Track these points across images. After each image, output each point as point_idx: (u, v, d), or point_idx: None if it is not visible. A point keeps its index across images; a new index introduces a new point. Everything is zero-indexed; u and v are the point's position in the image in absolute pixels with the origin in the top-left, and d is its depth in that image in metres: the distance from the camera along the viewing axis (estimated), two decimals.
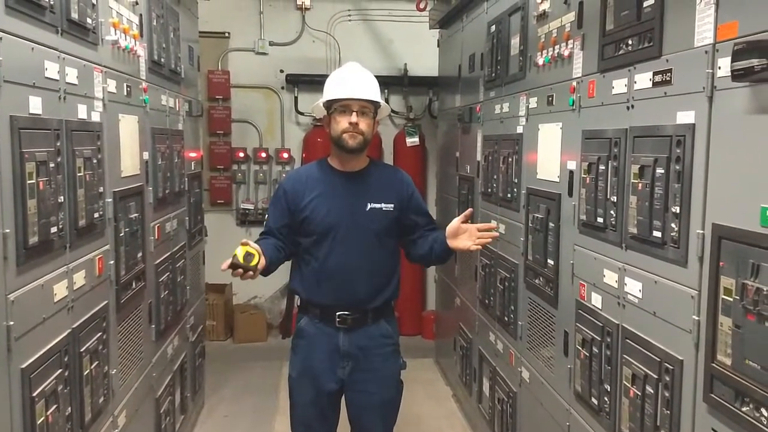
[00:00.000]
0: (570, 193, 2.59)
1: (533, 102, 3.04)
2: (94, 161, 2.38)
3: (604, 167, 2.27)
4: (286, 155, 6.50)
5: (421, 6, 5.67)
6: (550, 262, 2.79)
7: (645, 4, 2.01)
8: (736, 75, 1.52)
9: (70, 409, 2.14)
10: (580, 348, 2.46)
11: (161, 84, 3.46)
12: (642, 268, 2.04)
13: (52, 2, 2.04)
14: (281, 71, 6.49)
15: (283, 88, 6.53)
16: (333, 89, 2.76)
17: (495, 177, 3.61)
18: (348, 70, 2.84)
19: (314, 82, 5.88)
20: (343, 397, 2.89)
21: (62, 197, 2.11)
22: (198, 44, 4.60)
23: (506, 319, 3.42)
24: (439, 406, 4.78)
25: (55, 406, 2.02)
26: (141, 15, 3.03)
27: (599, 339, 2.31)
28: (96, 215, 2.40)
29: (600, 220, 2.30)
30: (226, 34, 6.45)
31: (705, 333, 1.70)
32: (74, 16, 2.21)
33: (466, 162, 4.41)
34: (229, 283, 6.39)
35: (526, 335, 3.15)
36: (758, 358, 1.49)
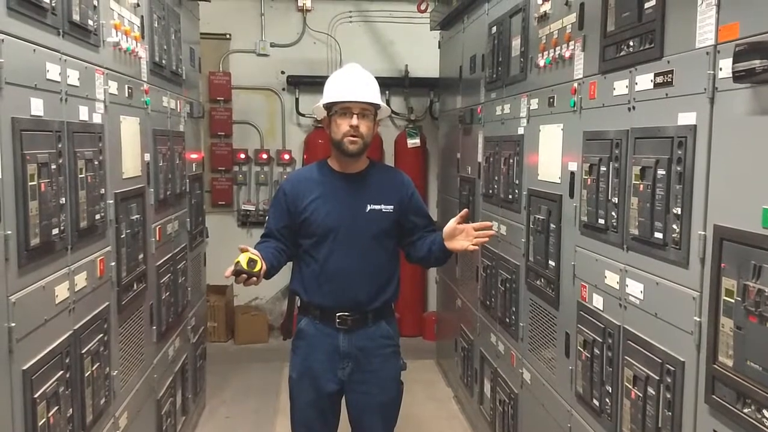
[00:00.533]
0: (571, 195, 2.59)
1: (534, 103, 3.04)
2: (96, 163, 2.39)
3: (605, 168, 2.27)
4: (287, 156, 6.50)
5: (422, 7, 5.67)
6: (552, 263, 2.79)
7: (646, 6, 2.01)
8: (738, 76, 1.52)
9: (71, 410, 2.15)
10: (581, 349, 2.46)
11: (162, 85, 3.46)
12: (643, 269, 2.04)
13: (53, 4, 2.05)
14: (282, 72, 6.50)
15: (284, 89, 6.53)
16: (333, 91, 2.76)
17: (496, 178, 3.61)
18: (348, 71, 2.84)
19: (315, 84, 5.88)
20: (343, 399, 2.89)
21: (64, 199, 2.11)
22: (199, 46, 4.60)
23: (507, 320, 3.42)
24: (440, 408, 4.78)
25: (56, 408, 2.02)
26: (142, 17, 3.04)
27: (600, 340, 2.31)
28: (97, 217, 2.41)
29: (601, 221, 2.30)
30: (227, 36, 6.46)
31: (706, 334, 1.70)
32: (76, 18, 2.21)
33: (467, 163, 4.41)
34: (230, 285, 6.39)
35: (528, 336, 3.15)
36: (760, 359, 1.49)
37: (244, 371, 5.43)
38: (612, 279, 2.24)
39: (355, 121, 2.69)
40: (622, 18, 2.16)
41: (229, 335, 6.33)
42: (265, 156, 6.49)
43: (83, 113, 2.32)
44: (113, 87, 2.61)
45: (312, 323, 2.82)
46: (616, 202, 2.19)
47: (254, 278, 2.50)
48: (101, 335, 2.44)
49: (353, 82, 2.75)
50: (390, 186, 2.85)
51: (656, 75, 1.96)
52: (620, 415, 2.16)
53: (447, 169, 5.22)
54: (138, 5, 2.96)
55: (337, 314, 2.75)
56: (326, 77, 2.90)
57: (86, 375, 2.28)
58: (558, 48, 2.72)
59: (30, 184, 1.87)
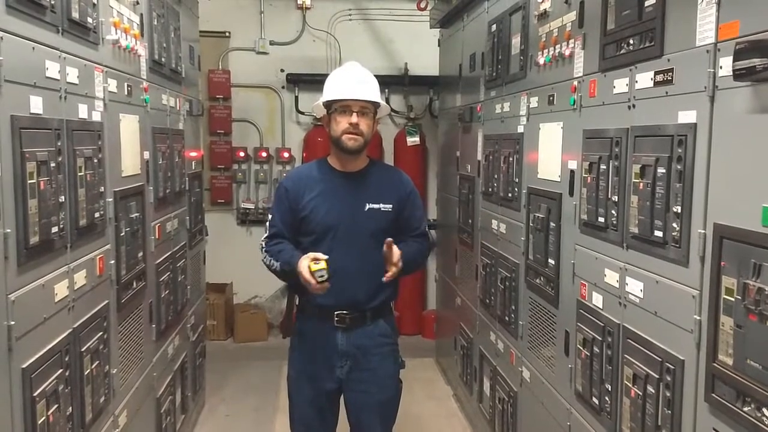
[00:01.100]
0: (571, 193, 2.59)
1: (534, 101, 3.04)
2: (95, 161, 2.38)
3: (605, 167, 2.27)
4: (286, 155, 6.50)
5: (422, 5, 5.67)
6: (551, 261, 2.79)
7: (646, 4, 2.01)
8: (738, 74, 1.52)
9: (70, 408, 2.14)
10: (581, 348, 2.46)
11: (162, 83, 3.46)
12: (643, 267, 2.04)
13: (52, 2, 2.04)
14: (282, 71, 6.49)
15: (283, 87, 6.53)
16: (333, 89, 2.75)
17: (496, 176, 3.61)
18: (348, 69, 2.83)
19: (315, 82, 5.87)
20: (342, 397, 2.89)
21: (63, 197, 2.11)
22: (198, 44, 4.60)
23: (507, 318, 3.42)
24: (439, 406, 4.78)
25: (56, 406, 2.02)
26: (142, 14, 3.03)
27: (600, 339, 2.30)
28: (97, 215, 2.40)
29: (601, 219, 2.30)
30: (227, 34, 6.45)
31: (706, 333, 1.70)
32: (75, 15, 2.21)
33: (466, 161, 4.41)
34: (229, 283, 6.40)
35: (527, 335, 3.15)
36: (760, 358, 1.49)
37: (243, 369, 5.44)
38: (612, 277, 2.24)
39: (354, 119, 2.69)
40: (623, 16, 2.15)
41: (229, 333, 6.33)
42: (264, 154, 6.49)
43: (82, 111, 2.31)
44: (112, 85, 2.61)
45: (310, 322, 2.82)
46: (616, 200, 2.19)
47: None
48: (101, 333, 2.44)
49: (353, 81, 2.75)
50: (389, 185, 2.84)
51: (656, 73, 1.95)
52: (620, 414, 2.16)
53: (446, 168, 5.22)
54: (137, 3, 2.96)
55: (336, 313, 2.75)
56: (326, 75, 2.90)
57: (86, 373, 2.28)
58: (558, 46, 2.71)
59: (29, 182, 1.87)
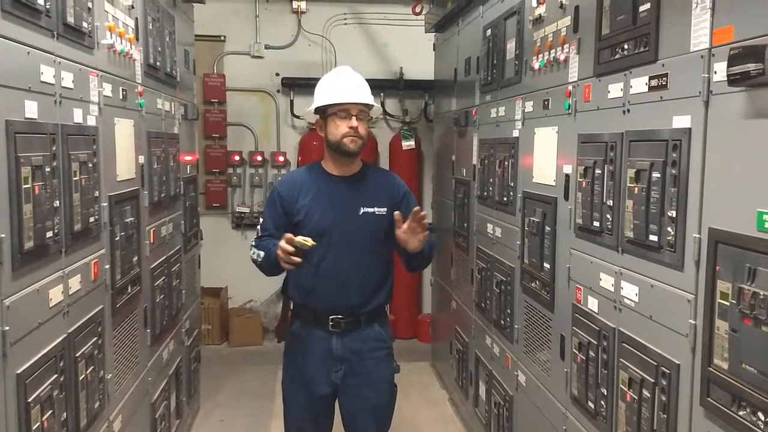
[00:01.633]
0: (566, 197, 2.59)
1: (529, 106, 3.04)
2: (90, 165, 2.38)
3: (600, 171, 2.27)
4: (281, 158, 6.49)
5: (417, 10, 5.68)
6: (547, 265, 2.80)
7: (641, 9, 2.02)
8: (732, 80, 1.52)
9: (65, 414, 2.13)
10: (576, 352, 2.46)
11: (157, 87, 3.45)
12: (638, 272, 2.05)
13: (48, 6, 2.04)
14: (277, 74, 6.50)
15: (278, 91, 6.53)
16: (331, 93, 2.75)
17: (491, 180, 3.61)
18: (342, 73, 2.84)
19: (310, 86, 5.79)
20: (337, 402, 2.88)
21: (58, 201, 2.10)
22: (193, 48, 4.59)
23: (503, 322, 3.42)
24: (435, 410, 4.77)
25: (50, 412, 2.00)
26: (137, 19, 3.03)
27: (596, 343, 2.31)
28: (91, 219, 2.40)
29: (596, 223, 2.30)
30: (222, 38, 6.45)
31: (702, 337, 1.70)
32: (70, 20, 2.20)
33: (462, 165, 4.41)
34: (224, 287, 6.38)
35: (523, 339, 3.15)
36: (755, 362, 1.49)
37: (238, 374, 5.42)
38: (607, 281, 2.24)
39: (354, 122, 2.70)
40: (617, 21, 2.16)
41: (224, 338, 6.32)
42: (259, 158, 6.49)
43: (77, 116, 2.31)
44: (107, 89, 2.60)
45: (305, 326, 2.81)
46: (611, 204, 2.20)
47: (298, 259, 2.52)
48: (95, 339, 2.43)
49: (350, 84, 2.76)
50: (383, 188, 2.84)
51: (651, 78, 1.96)
52: (615, 418, 2.17)
53: (442, 172, 5.23)
54: (132, 7, 2.96)
55: (330, 317, 2.75)
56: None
57: (80, 378, 2.27)
58: (553, 51, 2.72)
59: (24, 186, 1.86)
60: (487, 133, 3.75)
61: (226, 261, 6.10)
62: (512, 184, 3.26)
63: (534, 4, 2.92)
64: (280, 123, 6.57)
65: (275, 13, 6.49)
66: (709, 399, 1.66)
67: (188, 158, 4.26)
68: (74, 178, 2.23)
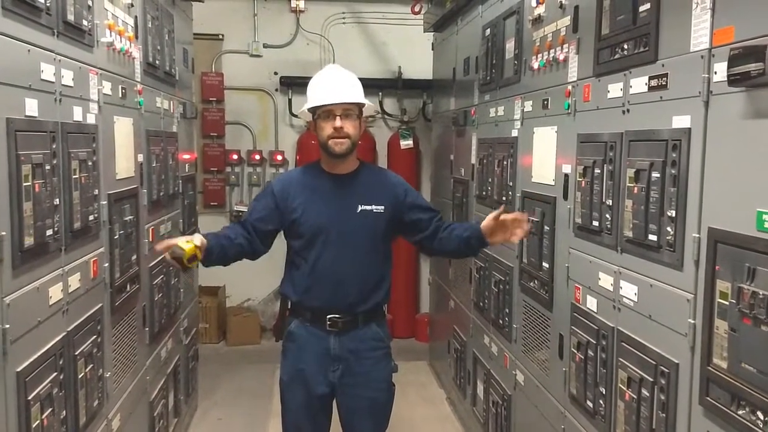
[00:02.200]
0: (565, 197, 2.60)
1: (528, 105, 3.05)
2: (90, 163, 2.38)
3: (599, 171, 2.28)
4: (279, 157, 6.49)
5: (416, 9, 5.68)
6: (545, 265, 2.80)
7: (641, 9, 2.02)
8: (733, 80, 1.53)
9: (65, 412, 2.13)
10: (575, 351, 2.47)
11: (156, 86, 3.45)
12: (637, 271, 2.05)
13: (48, 4, 2.04)
14: (275, 73, 6.49)
15: (277, 90, 6.52)
16: (314, 95, 2.74)
17: (490, 180, 3.62)
18: (327, 73, 2.82)
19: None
20: (334, 401, 2.88)
21: (58, 199, 2.10)
22: (192, 46, 4.59)
23: (501, 321, 3.43)
24: (432, 409, 4.78)
25: (50, 410, 2.01)
26: (136, 17, 3.03)
27: (594, 342, 2.31)
28: (91, 218, 2.40)
29: (595, 223, 2.31)
30: (220, 36, 6.44)
31: (701, 336, 1.71)
32: (70, 18, 2.21)
33: (460, 165, 4.42)
34: (222, 286, 6.38)
35: (521, 338, 3.15)
36: (754, 361, 1.50)
37: (236, 373, 5.42)
38: (606, 281, 2.25)
39: (338, 122, 2.68)
40: (617, 21, 2.17)
41: (221, 336, 6.31)
42: (257, 157, 6.48)
43: (77, 114, 2.31)
44: (107, 87, 2.61)
45: (302, 325, 2.81)
46: (610, 204, 2.20)
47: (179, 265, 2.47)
48: (95, 337, 2.43)
49: (333, 84, 2.73)
50: (381, 186, 2.83)
51: (651, 78, 1.97)
52: (614, 417, 2.17)
53: (440, 171, 5.23)
54: (132, 5, 2.95)
55: (328, 316, 2.74)
56: None
57: (80, 377, 2.27)
58: (552, 51, 2.73)
59: (24, 184, 1.86)
60: (486, 133, 3.75)
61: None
62: (511, 184, 3.26)
63: (533, 3, 2.92)
64: (278, 122, 6.56)
65: (273, 12, 6.48)
66: (708, 398, 1.67)
67: (186, 157, 4.26)
68: (74, 176, 2.23)
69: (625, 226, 2.10)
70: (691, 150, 1.77)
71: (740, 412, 1.55)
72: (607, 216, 2.22)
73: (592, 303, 2.36)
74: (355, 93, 2.74)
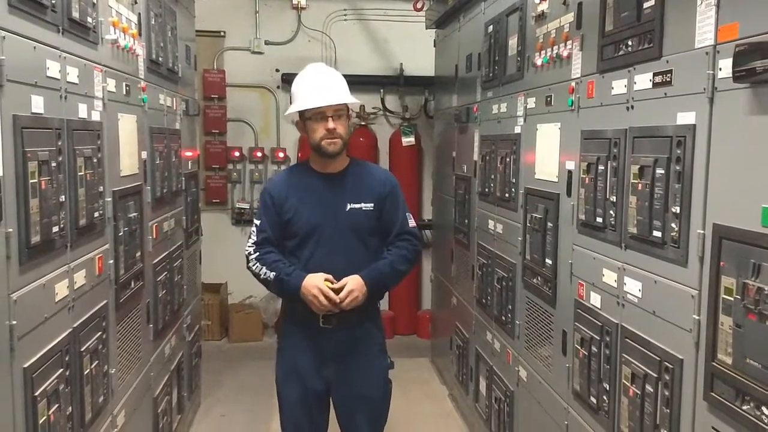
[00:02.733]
0: (569, 193, 2.60)
1: (531, 102, 3.05)
2: (95, 160, 2.38)
3: (603, 167, 2.28)
4: (281, 154, 6.49)
5: (418, 6, 5.68)
6: (549, 261, 2.81)
7: (645, 6, 2.02)
8: (738, 76, 1.53)
9: (71, 408, 2.14)
10: (578, 347, 2.48)
11: (159, 83, 3.46)
12: (642, 267, 2.06)
13: (53, 1, 2.04)
14: (277, 70, 6.49)
15: (278, 87, 6.52)
16: (304, 98, 2.73)
17: (492, 177, 3.62)
18: (314, 73, 2.80)
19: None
20: (331, 399, 2.88)
21: (63, 196, 2.11)
22: (194, 43, 4.59)
23: (504, 318, 3.44)
24: (435, 406, 4.79)
25: (56, 406, 2.01)
26: (139, 14, 3.03)
27: (598, 338, 2.32)
28: (96, 214, 2.40)
29: (599, 220, 2.31)
30: (222, 33, 6.45)
31: (705, 332, 1.71)
32: (75, 15, 2.21)
33: (462, 162, 4.42)
34: (224, 283, 6.39)
35: (524, 334, 3.16)
36: (759, 357, 1.50)
37: (238, 369, 5.43)
38: (610, 277, 2.25)
39: (331, 124, 2.70)
40: (621, 18, 2.17)
41: (223, 333, 6.32)
42: (259, 154, 6.49)
43: (82, 111, 2.31)
44: (111, 84, 2.61)
45: (296, 323, 2.81)
46: (614, 200, 2.20)
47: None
48: (100, 333, 2.43)
49: (322, 85, 2.73)
50: (369, 183, 2.84)
51: (655, 75, 1.97)
52: (618, 413, 2.18)
53: (442, 168, 5.23)
54: (135, 2, 2.96)
55: (322, 314, 2.75)
56: None
57: (85, 373, 2.28)
58: (555, 47, 2.73)
59: (31, 181, 1.87)
60: (489, 130, 3.76)
61: (225, 257, 6.08)
62: (514, 181, 3.27)
63: (537, 0, 2.92)
64: (279, 119, 6.56)
65: (275, 9, 6.48)
66: (712, 393, 1.68)
67: (189, 154, 4.26)
68: (79, 173, 2.23)
69: (629, 223, 2.11)
70: (695, 146, 1.77)
71: (745, 408, 1.55)
72: (611, 212, 2.23)
73: (595, 299, 2.37)
74: (344, 93, 2.75)
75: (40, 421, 1.91)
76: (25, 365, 1.86)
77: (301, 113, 2.77)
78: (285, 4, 6.48)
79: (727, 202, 1.67)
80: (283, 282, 2.69)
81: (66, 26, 2.16)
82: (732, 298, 1.60)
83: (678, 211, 1.84)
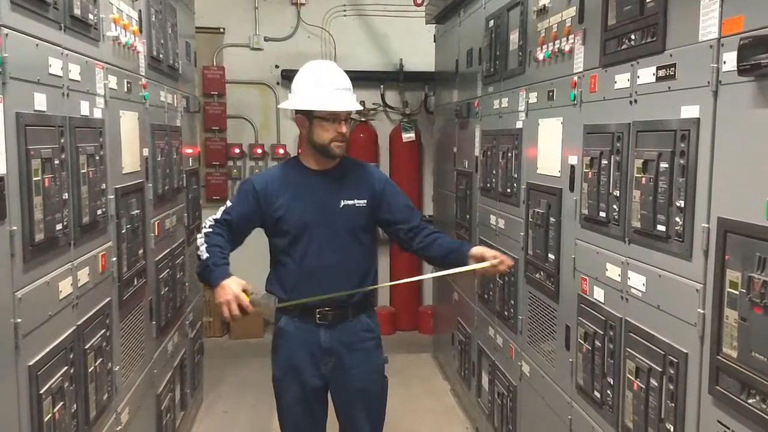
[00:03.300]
0: (571, 188, 2.60)
1: (533, 97, 3.05)
2: (97, 158, 2.38)
3: (606, 162, 2.28)
4: (281, 151, 6.48)
5: (418, 1, 5.67)
6: (551, 256, 2.81)
7: None
8: (743, 70, 1.53)
9: (75, 406, 2.14)
10: (582, 342, 2.48)
11: (160, 80, 3.45)
12: (646, 261, 2.06)
13: None
14: (276, 67, 6.48)
15: (278, 83, 6.51)
16: (321, 98, 2.66)
17: (494, 172, 3.62)
18: (328, 73, 2.73)
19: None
20: (329, 395, 2.88)
21: (67, 194, 2.11)
22: (194, 40, 4.58)
23: (506, 313, 3.44)
24: (437, 401, 4.79)
25: (61, 403, 2.02)
26: (140, 11, 3.03)
27: (602, 333, 2.32)
28: (99, 212, 2.40)
29: (602, 214, 2.31)
30: (221, 30, 6.43)
31: (710, 326, 1.71)
32: (77, 12, 2.21)
33: (464, 157, 4.42)
34: None
35: (527, 329, 3.16)
36: (765, 350, 1.51)
37: (240, 366, 5.43)
38: (613, 271, 2.25)
39: (344, 128, 2.70)
40: (624, 12, 2.16)
41: (225, 330, 6.33)
42: (259, 150, 6.48)
43: (84, 108, 2.31)
44: (113, 81, 2.61)
45: (292, 321, 2.80)
46: (618, 195, 2.20)
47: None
48: (103, 330, 2.44)
49: (340, 88, 2.68)
50: (361, 180, 2.83)
51: (658, 68, 1.97)
52: (622, 407, 2.18)
53: (443, 164, 5.23)
54: None
55: (318, 310, 2.74)
56: None
57: (89, 370, 2.28)
58: (557, 42, 2.73)
59: (34, 179, 1.86)
60: (490, 125, 3.75)
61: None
62: (516, 176, 3.27)
63: None
64: (279, 115, 6.55)
65: (274, 5, 6.47)
66: (717, 387, 1.68)
67: (189, 151, 4.26)
68: (82, 171, 2.23)
69: (632, 217, 2.11)
70: (699, 140, 1.77)
71: (750, 401, 1.56)
72: (615, 207, 2.23)
73: (599, 294, 2.37)
74: (355, 98, 2.76)
75: (45, 419, 1.91)
76: (30, 363, 1.86)
77: (308, 110, 2.74)
78: (284, 0, 6.47)
79: (731, 195, 1.67)
80: (207, 269, 2.62)
81: (68, 23, 2.15)
82: (737, 292, 1.60)
83: (682, 205, 1.84)
